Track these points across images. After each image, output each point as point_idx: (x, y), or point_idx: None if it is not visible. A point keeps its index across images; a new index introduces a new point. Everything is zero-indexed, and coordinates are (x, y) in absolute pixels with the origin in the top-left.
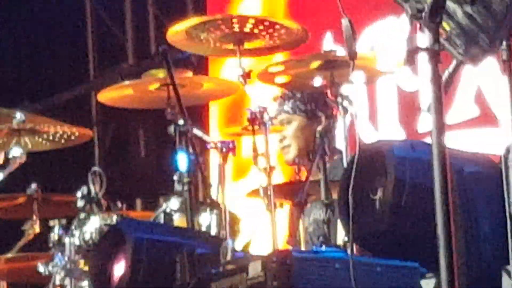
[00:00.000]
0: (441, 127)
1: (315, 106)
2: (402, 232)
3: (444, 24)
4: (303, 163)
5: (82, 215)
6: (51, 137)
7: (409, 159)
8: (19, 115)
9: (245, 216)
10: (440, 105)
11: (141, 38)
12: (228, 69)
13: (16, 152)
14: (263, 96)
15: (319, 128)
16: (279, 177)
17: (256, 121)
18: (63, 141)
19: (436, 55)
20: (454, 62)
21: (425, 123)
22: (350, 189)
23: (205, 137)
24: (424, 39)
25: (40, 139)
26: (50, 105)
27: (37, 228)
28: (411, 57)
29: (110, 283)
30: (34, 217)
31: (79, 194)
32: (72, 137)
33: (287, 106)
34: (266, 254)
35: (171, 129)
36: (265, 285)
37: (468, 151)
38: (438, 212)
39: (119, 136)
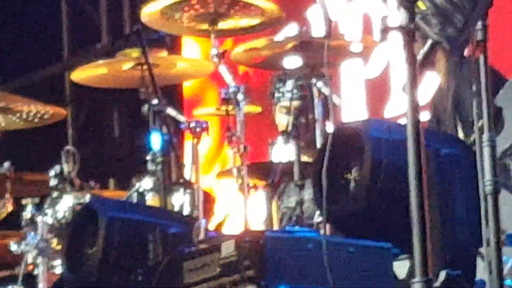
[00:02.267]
0: (416, 106)
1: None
2: (377, 213)
3: (420, 3)
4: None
5: (55, 194)
6: (24, 116)
7: (385, 139)
8: None
9: (220, 196)
10: (415, 85)
11: (115, 18)
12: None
13: None
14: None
15: (293, 109)
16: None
17: (230, 102)
18: (36, 120)
19: (411, 34)
20: (429, 42)
21: (391, 108)
22: (324, 169)
23: (178, 117)
24: (399, 17)
25: (14, 118)
26: (24, 84)
27: (9, 207)
28: (384, 36)
29: (82, 262)
30: (7, 196)
31: (52, 173)
32: (46, 116)
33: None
34: (239, 233)
35: (145, 108)
36: (237, 264)
37: (445, 133)
38: (411, 193)
39: (93, 116)
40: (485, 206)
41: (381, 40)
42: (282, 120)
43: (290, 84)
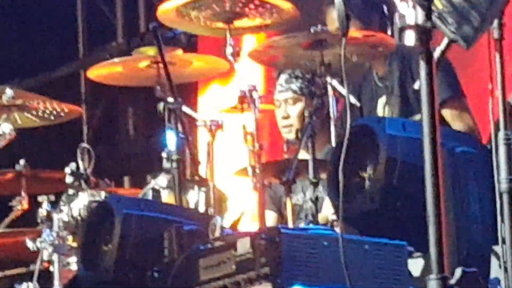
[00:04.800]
0: (432, 105)
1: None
2: (392, 211)
3: (437, 1)
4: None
5: (71, 191)
6: (40, 114)
7: (401, 137)
8: (8, 92)
9: (234, 194)
10: (431, 83)
11: (131, 16)
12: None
13: (5, 128)
14: (252, 75)
15: (309, 107)
16: (268, 156)
17: (246, 100)
18: (52, 117)
19: (428, 32)
20: (445, 40)
21: None
22: (340, 168)
23: (194, 115)
24: (416, 16)
25: (30, 115)
26: (40, 82)
27: (25, 204)
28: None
29: (98, 259)
30: (23, 193)
31: (67, 170)
32: (62, 114)
33: (295, 86)
34: (255, 231)
35: (160, 106)
36: (253, 261)
37: (460, 132)
38: (427, 191)
39: (108, 114)
40: (501, 204)
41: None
42: (277, 113)
43: (282, 78)
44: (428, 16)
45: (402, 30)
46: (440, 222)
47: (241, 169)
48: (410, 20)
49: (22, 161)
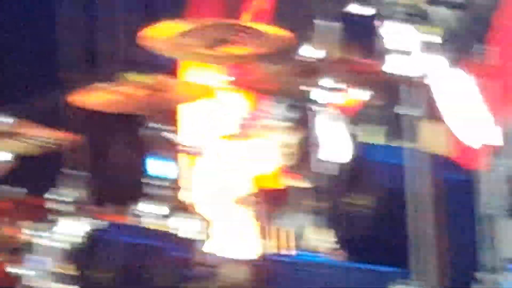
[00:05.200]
0: (414, 132)
1: None
2: (383, 237)
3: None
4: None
5: (55, 217)
6: (30, 141)
7: (391, 164)
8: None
9: (216, 219)
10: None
11: (112, 42)
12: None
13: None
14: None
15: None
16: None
17: (250, 126)
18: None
19: None
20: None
21: None
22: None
23: (176, 140)
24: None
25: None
26: (25, 109)
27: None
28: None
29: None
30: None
31: (52, 196)
32: (50, 141)
33: (295, 115)
34: (244, 257)
35: (144, 132)
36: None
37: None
38: (409, 217)
39: (92, 140)
40: (485, 230)
41: None
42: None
43: (273, 106)
44: None
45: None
46: (424, 244)
47: (240, 198)
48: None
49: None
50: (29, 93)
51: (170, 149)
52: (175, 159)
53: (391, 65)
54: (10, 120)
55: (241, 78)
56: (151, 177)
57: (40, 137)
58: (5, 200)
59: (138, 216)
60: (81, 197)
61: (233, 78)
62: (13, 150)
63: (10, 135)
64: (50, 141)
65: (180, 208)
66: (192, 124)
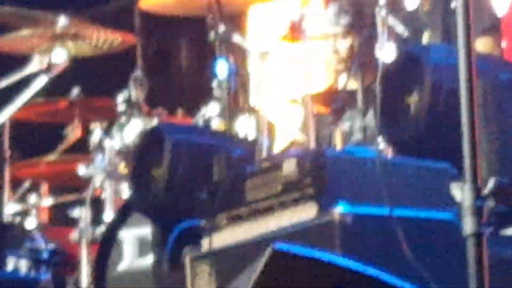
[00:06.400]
0: (467, 29)
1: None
2: (436, 136)
3: None
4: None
5: (123, 119)
6: (94, 43)
7: (446, 64)
8: (63, 20)
9: (282, 123)
10: (467, 7)
11: None
12: None
13: (58, 57)
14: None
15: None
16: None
17: (297, 30)
18: (105, 47)
19: None
20: None
21: None
22: (378, 93)
23: (243, 44)
24: None
25: (83, 44)
26: (93, 14)
27: (78, 132)
28: None
29: (149, 183)
30: (76, 121)
31: (120, 98)
32: (115, 43)
33: (344, 20)
34: (301, 153)
35: (212, 36)
36: (298, 182)
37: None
38: (463, 117)
39: (161, 45)
40: None
41: None
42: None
43: (331, 11)
44: None
45: None
46: (474, 134)
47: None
48: None
49: (75, 90)
50: None
51: (239, 52)
52: (241, 62)
53: None
54: (66, 20)
55: None
56: (219, 79)
57: (98, 38)
58: (61, 100)
59: (204, 117)
60: (149, 101)
61: None
62: (69, 51)
63: (67, 35)
64: (107, 42)
65: (247, 110)
66: (259, 26)
